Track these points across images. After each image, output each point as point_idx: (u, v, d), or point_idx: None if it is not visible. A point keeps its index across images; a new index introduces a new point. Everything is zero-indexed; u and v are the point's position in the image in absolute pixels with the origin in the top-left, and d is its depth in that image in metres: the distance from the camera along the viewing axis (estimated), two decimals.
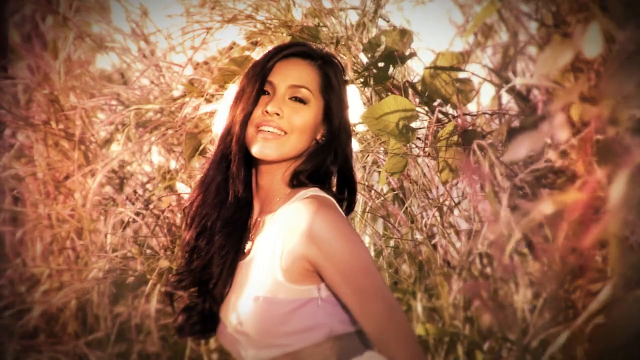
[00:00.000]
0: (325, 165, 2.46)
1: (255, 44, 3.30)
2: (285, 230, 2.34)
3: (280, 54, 2.46)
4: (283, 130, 2.41)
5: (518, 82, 3.05)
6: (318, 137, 2.47)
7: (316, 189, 2.41)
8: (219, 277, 2.42)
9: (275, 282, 2.32)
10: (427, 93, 3.23)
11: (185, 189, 3.64)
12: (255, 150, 2.41)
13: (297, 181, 2.43)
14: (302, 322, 2.31)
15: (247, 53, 3.29)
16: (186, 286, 2.45)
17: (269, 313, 2.30)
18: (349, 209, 2.52)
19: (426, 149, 3.19)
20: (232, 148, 2.43)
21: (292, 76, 2.44)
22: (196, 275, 2.44)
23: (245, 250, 2.43)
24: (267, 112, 2.40)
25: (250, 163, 2.46)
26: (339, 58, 2.60)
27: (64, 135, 3.90)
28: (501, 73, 3.55)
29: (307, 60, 2.47)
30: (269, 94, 2.44)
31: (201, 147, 3.36)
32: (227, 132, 2.44)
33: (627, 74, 2.38)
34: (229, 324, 2.38)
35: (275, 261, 2.33)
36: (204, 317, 2.43)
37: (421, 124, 3.20)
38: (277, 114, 2.40)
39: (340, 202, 2.46)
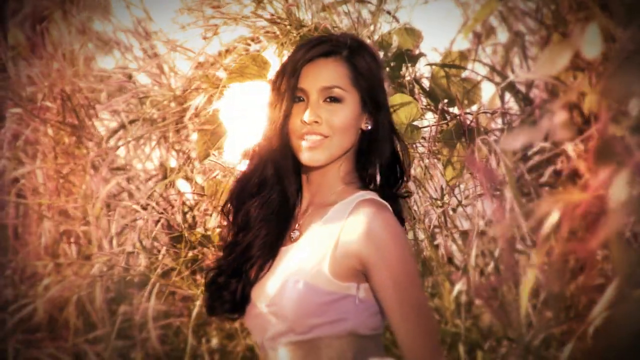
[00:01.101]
0: (390, 159, 2.46)
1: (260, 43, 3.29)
2: (343, 227, 2.35)
3: (304, 57, 2.43)
4: (325, 135, 2.40)
5: (513, 77, 3.04)
6: (362, 126, 2.45)
7: (374, 193, 2.41)
8: (257, 259, 2.43)
9: (319, 272, 2.34)
10: (435, 92, 3.23)
11: (186, 187, 3.64)
12: (304, 159, 2.41)
13: (369, 179, 2.44)
14: (333, 315, 2.33)
15: (256, 49, 3.26)
16: (228, 277, 2.46)
17: (306, 299, 2.32)
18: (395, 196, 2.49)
19: (430, 148, 3.18)
20: (276, 150, 2.42)
21: (322, 78, 2.41)
22: (236, 265, 2.45)
23: (292, 238, 2.44)
24: (305, 122, 2.40)
25: (298, 163, 2.46)
26: (363, 40, 2.55)
27: (69, 131, 3.91)
28: (502, 71, 3.54)
29: (331, 57, 2.43)
30: (302, 100, 2.43)
31: (215, 146, 3.34)
32: (269, 134, 2.43)
33: (627, 74, 2.37)
34: (260, 305, 2.39)
35: (326, 254, 2.35)
36: (234, 296, 2.43)
37: (427, 123, 3.20)
38: (316, 122, 2.39)
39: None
